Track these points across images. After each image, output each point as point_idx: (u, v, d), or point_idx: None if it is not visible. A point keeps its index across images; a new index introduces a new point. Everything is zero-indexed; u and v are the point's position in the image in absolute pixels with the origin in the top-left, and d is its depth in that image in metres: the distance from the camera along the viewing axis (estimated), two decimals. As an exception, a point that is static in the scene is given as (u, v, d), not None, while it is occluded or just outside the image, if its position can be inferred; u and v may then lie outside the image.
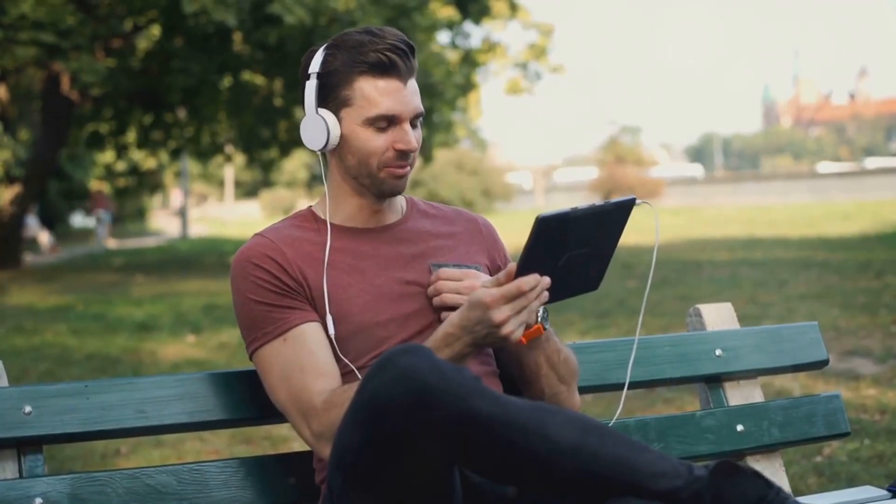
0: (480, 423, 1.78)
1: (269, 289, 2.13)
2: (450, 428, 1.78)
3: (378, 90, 2.13)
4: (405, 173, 2.20)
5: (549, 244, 1.93)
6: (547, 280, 1.93)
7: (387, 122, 2.15)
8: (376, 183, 2.19)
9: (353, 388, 2.01)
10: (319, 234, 2.22)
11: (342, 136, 2.17)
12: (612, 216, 2.01)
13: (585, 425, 1.84)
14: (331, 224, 2.23)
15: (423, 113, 2.21)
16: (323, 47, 2.19)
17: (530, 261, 1.91)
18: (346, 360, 2.14)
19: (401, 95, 2.15)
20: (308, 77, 2.18)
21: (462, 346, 1.99)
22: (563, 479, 1.81)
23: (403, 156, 2.18)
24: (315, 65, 2.17)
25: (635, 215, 2.06)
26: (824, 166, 77.67)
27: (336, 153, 2.21)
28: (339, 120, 2.17)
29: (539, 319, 2.05)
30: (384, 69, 2.13)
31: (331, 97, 2.17)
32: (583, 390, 2.45)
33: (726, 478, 1.81)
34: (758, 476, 1.82)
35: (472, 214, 2.44)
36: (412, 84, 2.18)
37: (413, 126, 2.19)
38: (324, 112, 2.16)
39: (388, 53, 2.12)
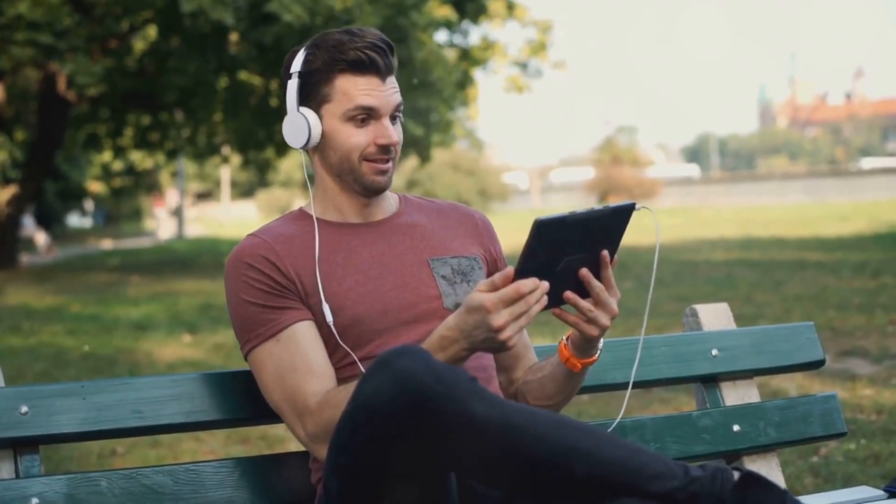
0: (476, 424, 1.78)
1: (262, 289, 2.13)
2: (445, 430, 1.78)
3: (356, 86, 2.16)
4: (387, 168, 2.21)
5: (547, 248, 1.91)
6: (546, 285, 1.91)
7: (366, 114, 2.16)
8: (359, 179, 2.20)
9: (347, 388, 2.01)
10: (311, 231, 2.22)
11: (323, 133, 2.19)
12: (611, 221, 1.99)
13: (580, 427, 1.84)
14: (323, 220, 2.24)
15: (402, 105, 2.23)
16: (304, 47, 2.22)
17: (528, 265, 1.90)
18: (346, 347, 2.14)
19: (379, 91, 2.17)
20: (290, 76, 2.21)
21: (458, 350, 1.97)
22: (558, 482, 1.81)
23: (385, 150, 2.19)
24: (297, 64, 2.20)
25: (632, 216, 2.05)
26: (868, 162, 77.56)
27: (319, 151, 2.23)
28: (320, 117, 2.19)
29: (598, 351, 2.14)
30: (363, 67, 2.15)
31: (311, 95, 2.19)
32: (580, 391, 2.45)
33: (751, 489, 1.82)
34: (779, 488, 1.83)
35: (469, 208, 2.45)
36: (391, 81, 2.20)
37: (393, 120, 2.20)
38: (305, 110, 2.19)
39: (366, 52, 2.15)
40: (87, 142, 23.35)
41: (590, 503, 1.81)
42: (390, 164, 2.21)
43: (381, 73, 2.17)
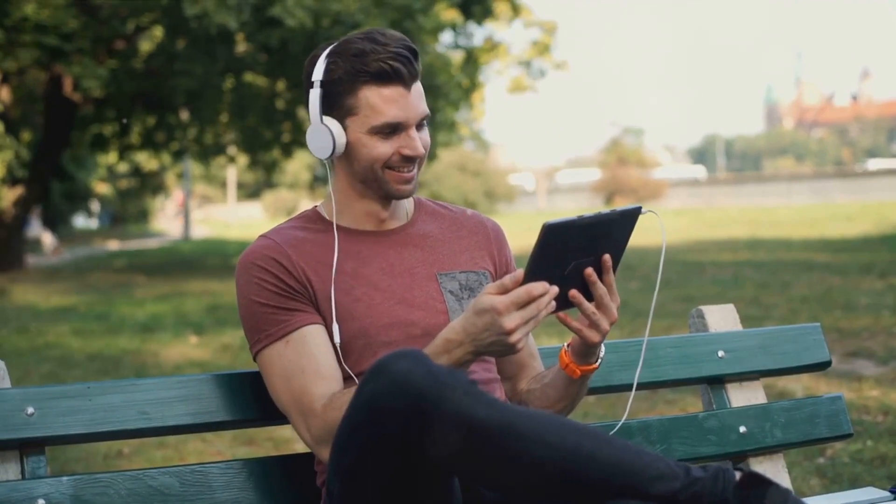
0: (476, 427, 1.77)
1: (272, 290, 2.13)
2: (445, 433, 1.77)
3: (383, 98, 2.12)
4: (412, 177, 2.19)
5: (556, 252, 1.91)
6: (555, 289, 1.90)
7: (392, 128, 2.14)
8: (384, 187, 2.19)
9: (352, 391, 2.00)
10: (325, 236, 2.21)
11: (348, 144, 2.16)
12: (617, 224, 2.00)
13: (581, 429, 1.84)
14: (337, 225, 2.22)
15: (429, 114, 2.20)
16: (325, 54, 2.17)
17: (537, 268, 1.90)
18: (346, 367, 2.14)
19: (405, 102, 2.14)
20: (311, 85, 2.17)
21: (462, 354, 1.96)
22: (559, 484, 1.81)
23: (409, 160, 2.17)
24: (318, 73, 2.16)
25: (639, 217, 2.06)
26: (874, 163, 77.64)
27: (343, 159, 2.21)
28: (345, 128, 2.16)
29: (599, 359, 2.14)
30: (388, 77, 2.12)
31: (335, 106, 2.15)
32: (587, 392, 2.45)
33: (753, 490, 1.82)
34: (782, 487, 1.83)
35: (482, 217, 2.42)
36: (416, 88, 2.17)
37: (419, 128, 2.18)
38: (329, 121, 2.16)
39: (390, 62, 2.11)
40: (93, 142, 23.38)
41: (591, 504, 1.81)
42: (414, 172, 2.20)
43: (406, 82, 2.14)
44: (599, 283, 2.01)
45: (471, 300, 2.22)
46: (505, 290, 1.91)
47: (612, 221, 1.98)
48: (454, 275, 2.26)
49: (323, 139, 2.16)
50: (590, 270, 2.00)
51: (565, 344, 2.19)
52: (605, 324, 2.04)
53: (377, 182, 2.18)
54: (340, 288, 2.16)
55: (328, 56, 2.16)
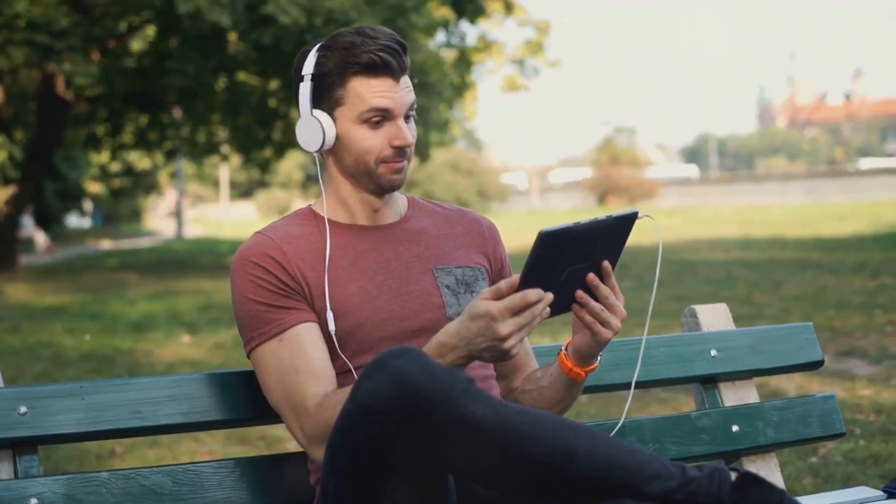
0: (472, 426, 1.77)
1: (266, 288, 2.13)
2: (442, 431, 1.77)
3: (371, 88, 2.14)
4: (403, 167, 2.20)
5: (551, 259, 1.91)
6: (550, 296, 1.91)
7: (380, 116, 2.15)
8: (375, 179, 2.19)
9: (345, 391, 2.00)
10: (319, 232, 2.21)
11: (338, 136, 2.17)
12: (613, 230, 2.00)
13: (577, 428, 1.84)
14: (332, 221, 2.23)
15: (416, 103, 2.21)
16: (315, 48, 2.19)
17: (533, 274, 1.90)
18: (345, 358, 2.14)
19: (393, 92, 2.15)
20: (301, 79, 2.18)
21: (455, 358, 1.96)
22: (556, 482, 1.81)
23: (400, 151, 2.18)
24: (308, 66, 2.17)
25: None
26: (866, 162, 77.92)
27: (333, 153, 2.21)
28: (334, 120, 2.17)
29: (598, 358, 2.15)
30: (377, 69, 2.13)
31: (325, 98, 2.17)
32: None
33: (748, 490, 1.82)
34: (777, 488, 1.83)
35: (477, 215, 2.42)
36: (405, 81, 2.18)
37: (407, 119, 2.19)
38: (318, 113, 2.17)
39: (380, 54, 2.12)
40: (86, 141, 23.36)
41: (587, 503, 1.81)
42: (405, 162, 2.20)
43: (395, 74, 2.15)
44: (602, 286, 2.02)
45: (467, 295, 2.23)
46: (500, 296, 1.91)
47: (608, 227, 1.98)
48: (450, 269, 2.26)
49: (313, 131, 2.17)
50: (592, 276, 2.01)
51: (563, 348, 2.19)
52: (615, 321, 2.05)
53: (368, 175, 2.19)
54: (336, 283, 2.16)
55: (319, 50, 2.18)
